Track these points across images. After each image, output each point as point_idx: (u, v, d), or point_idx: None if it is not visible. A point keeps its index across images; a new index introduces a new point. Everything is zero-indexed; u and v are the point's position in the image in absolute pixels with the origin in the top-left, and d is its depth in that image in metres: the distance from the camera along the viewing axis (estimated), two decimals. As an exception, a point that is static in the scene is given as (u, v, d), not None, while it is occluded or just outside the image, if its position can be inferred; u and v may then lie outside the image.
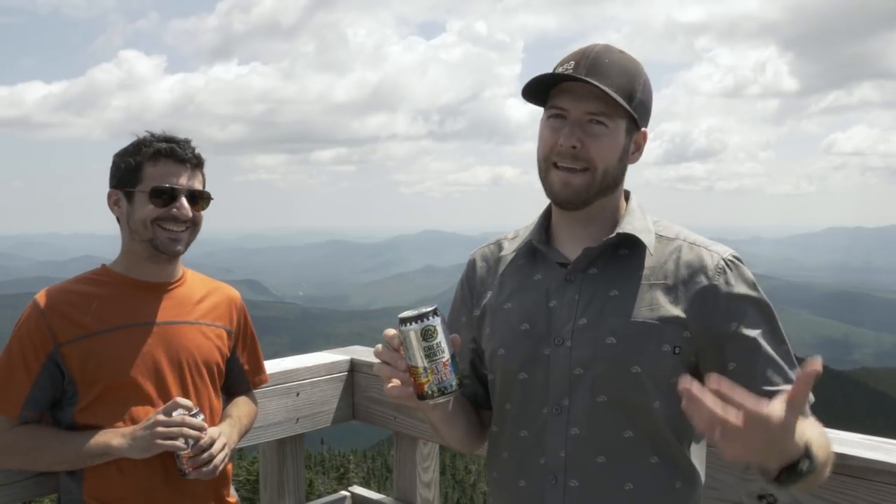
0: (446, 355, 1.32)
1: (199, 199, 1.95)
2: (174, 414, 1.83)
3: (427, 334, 1.30)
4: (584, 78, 1.39)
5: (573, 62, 1.42)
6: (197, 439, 1.84)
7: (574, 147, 1.41)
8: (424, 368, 1.31)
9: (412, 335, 1.30)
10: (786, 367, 1.43)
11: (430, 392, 1.32)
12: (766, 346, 1.42)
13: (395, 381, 1.37)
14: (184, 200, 1.91)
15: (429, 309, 1.31)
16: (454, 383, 1.33)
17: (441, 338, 1.31)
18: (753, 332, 1.42)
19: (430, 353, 1.31)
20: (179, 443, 1.81)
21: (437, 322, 1.31)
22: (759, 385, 1.41)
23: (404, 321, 1.31)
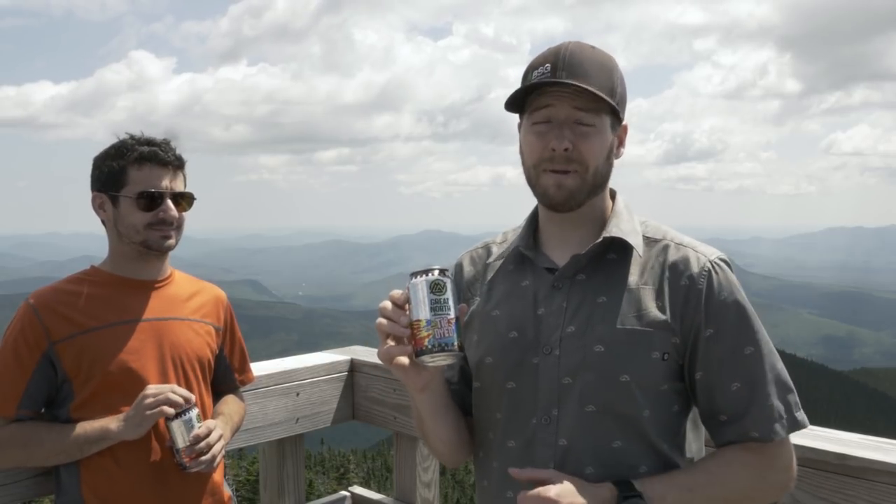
0: (452, 314, 1.29)
1: (183, 199, 1.98)
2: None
3: (436, 288, 1.29)
4: (569, 82, 1.36)
5: (549, 65, 1.39)
6: (187, 403, 1.84)
7: (566, 149, 1.38)
8: (428, 321, 1.28)
9: (421, 287, 1.29)
10: (759, 382, 1.38)
11: (429, 346, 1.28)
12: (740, 359, 1.38)
13: (391, 342, 1.34)
14: (169, 203, 1.94)
15: (441, 267, 1.31)
16: (454, 343, 1.29)
17: (449, 295, 1.29)
18: (729, 342, 1.38)
19: (437, 307, 1.28)
20: (167, 409, 1.81)
21: (447, 280, 1.30)
22: (717, 411, 1.41)
23: (415, 274, 1.31)
